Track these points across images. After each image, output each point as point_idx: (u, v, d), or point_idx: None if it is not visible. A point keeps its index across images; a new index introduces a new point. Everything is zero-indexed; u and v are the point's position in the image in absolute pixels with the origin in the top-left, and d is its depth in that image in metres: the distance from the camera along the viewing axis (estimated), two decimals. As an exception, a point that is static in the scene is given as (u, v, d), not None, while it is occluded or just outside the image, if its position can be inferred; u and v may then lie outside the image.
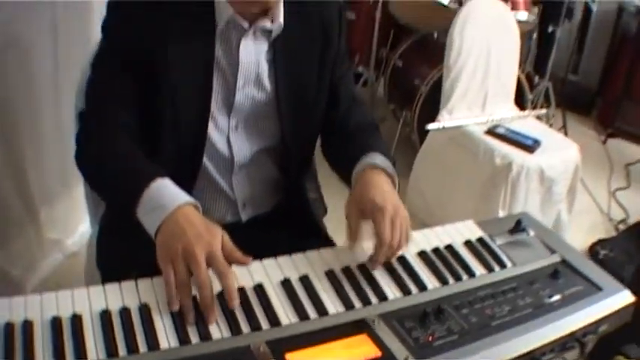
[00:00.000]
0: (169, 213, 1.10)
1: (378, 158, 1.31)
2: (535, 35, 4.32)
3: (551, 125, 4.32)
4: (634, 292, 1.27)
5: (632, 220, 3.45)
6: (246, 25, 1.28)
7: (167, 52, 1.24)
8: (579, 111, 4.95)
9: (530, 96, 3.68)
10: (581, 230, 3.27)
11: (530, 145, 2.83)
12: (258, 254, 1.18)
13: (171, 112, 1.28)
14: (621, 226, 3.43)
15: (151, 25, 1.24)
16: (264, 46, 1.34)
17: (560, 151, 2.91)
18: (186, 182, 1.21)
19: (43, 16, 2.18)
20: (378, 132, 1.53)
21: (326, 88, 1.46)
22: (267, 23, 1.30)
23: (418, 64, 3.64)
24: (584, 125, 4.84)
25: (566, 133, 4.29)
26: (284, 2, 1.31)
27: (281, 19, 1.31)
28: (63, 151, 2.34)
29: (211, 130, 1.35)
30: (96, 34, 1.32)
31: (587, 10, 4.95)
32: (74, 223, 2.57)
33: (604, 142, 4.61)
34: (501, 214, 2.70)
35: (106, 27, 1.29)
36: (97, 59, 1.31)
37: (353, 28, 3.95)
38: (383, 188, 1.26)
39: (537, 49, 4.46)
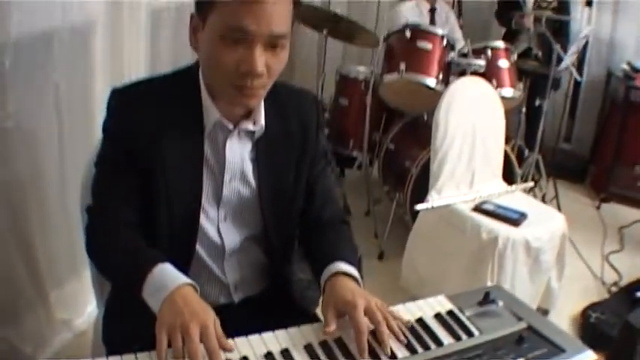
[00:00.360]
0: (170, 292, 1.25)
1: (343, 266, 1.47)
2: (524, 109, 4.49)
3: (544, 195, 4.48)
4: (620, 350, 1.37)
5: (624, 282, 3.56)
6: (230, 126, 1.46)
7: (162, 152, 1.41)
8: (573, 179, 5.13)
9: (518, 170, 3.84)
10: (574, 295, 3.39)
11: (516, 219, 2.96)
12: (250, 332, 1.32)
13: (167, 205, 1.44)
14: (614, 289, 3.53)
15: (148, 127, 1.41)
16: (248, 146, 1.52)
17: (545, 222, 3.04)
18: (181, 268, 1.35)
19: (47, 105, 2.38)
20: (347, 229, 1.70)
21: (303, 186, 1.62)
22: (249, 125, 1.48)
23: (409, 146, 3.82)
24: (578, 192, 5.01)
25: (558, 203, 4.45)
26: (265, 104, 1.49)
27: (262, 121, 1.49)
28: (70, 238, 2.51)
29: (203, 220, 1.51)
30: (98, 125, 1.50)
31: (577, 79, 5.19)
32: (82, 304, 2.72)
33: (598, 208, 4.77)
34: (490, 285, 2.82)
35: (106, 128, 1.47)
36: (100, 159, 1.48)
37: (346, 113, 4.19)
38: (351, 288, 1.41)
39: (526, 123, 4.63)
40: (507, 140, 4.48)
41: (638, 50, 5.33)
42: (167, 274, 1.30)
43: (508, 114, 3.52)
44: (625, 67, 5.05)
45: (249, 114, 1.47)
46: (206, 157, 1.47)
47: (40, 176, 2.42)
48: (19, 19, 2.11)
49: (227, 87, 1.36)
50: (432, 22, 4.55)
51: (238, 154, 1.50)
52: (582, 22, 5.32)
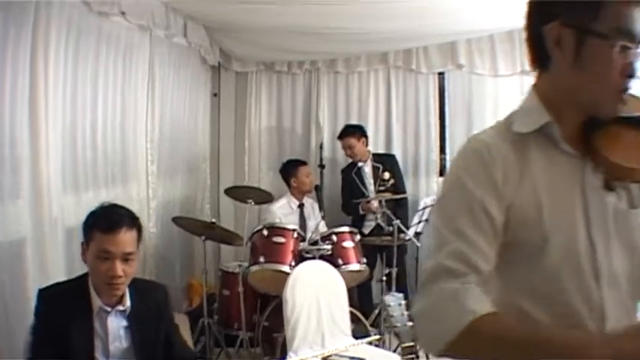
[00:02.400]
0: None
1: None
2: (384, 277, 5.74)
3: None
4: None
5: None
6: (109, 309, 2.73)
7: (69, 329, 2.62)
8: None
9: (370, 328, 5.11)
10: None
11: (354, 364, 4.22)
12: None
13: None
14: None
15: (60, 313, 2.64)
16: (122, 319, 2.78)
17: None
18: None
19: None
20: None
21: (162, 343, 2.88)
22: (121, 307, 2.76)
23: (278, 322, 4.96)
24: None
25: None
26: (130, 293, 2.76)
27: (128, 303, 2.76)
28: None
29: None
30: (29, 312, 2.72)
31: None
32: None
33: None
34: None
35: (35, 313, 2.69)
36: (32, 329, 2.68)
37: (229, 301, 5.51)
38: None
39: (386, 288, 5.84)
40: (376, 306, 5.84)
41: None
42: None
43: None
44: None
45: (120, 300, 2.76)
46: (96, 329, 2.71)
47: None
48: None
49: (102, 285, 2.67)
50: (302, 214, 6.14)
51: (116, 325, 2.76)
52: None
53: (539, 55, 1.63)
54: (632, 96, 1.65)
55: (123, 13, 4.87)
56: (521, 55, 6.58)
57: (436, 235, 1.57)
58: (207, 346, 5.43)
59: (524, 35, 1.67)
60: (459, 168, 1.60)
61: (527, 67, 5.59)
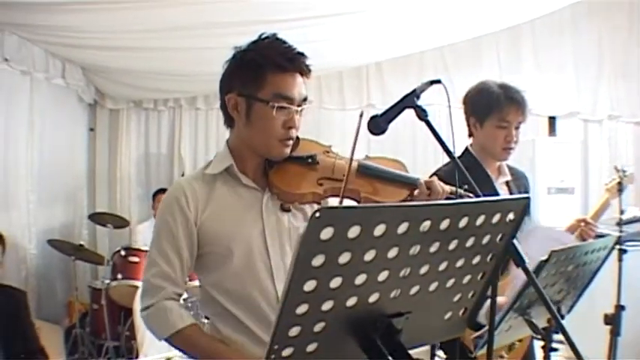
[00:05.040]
0: None
1: None
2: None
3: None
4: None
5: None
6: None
7: None
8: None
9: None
10: None
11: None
12: None
13: None
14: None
15: None
16: None
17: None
18: None
19: None
20: None
21: (22, 336, 3.52)
22: None
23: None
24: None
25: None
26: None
27: None
28: None
29: None
30: None
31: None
32: None
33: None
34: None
35: None
36: None
37: (98, 314, 6.01)
38: None
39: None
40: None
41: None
42: None
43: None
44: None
45: None
46: None
47: None
48: None
49: None
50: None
51: None
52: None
53: (226, 117, 2.13)
54: (304, 139, 2.19)
55: (6, 60, 5.48)
56: (368, 90, 7.21)
57: (149, 256, 2.07)
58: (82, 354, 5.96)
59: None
60: (161, 208, 2.09)
61: (373, 100, 6.00)
